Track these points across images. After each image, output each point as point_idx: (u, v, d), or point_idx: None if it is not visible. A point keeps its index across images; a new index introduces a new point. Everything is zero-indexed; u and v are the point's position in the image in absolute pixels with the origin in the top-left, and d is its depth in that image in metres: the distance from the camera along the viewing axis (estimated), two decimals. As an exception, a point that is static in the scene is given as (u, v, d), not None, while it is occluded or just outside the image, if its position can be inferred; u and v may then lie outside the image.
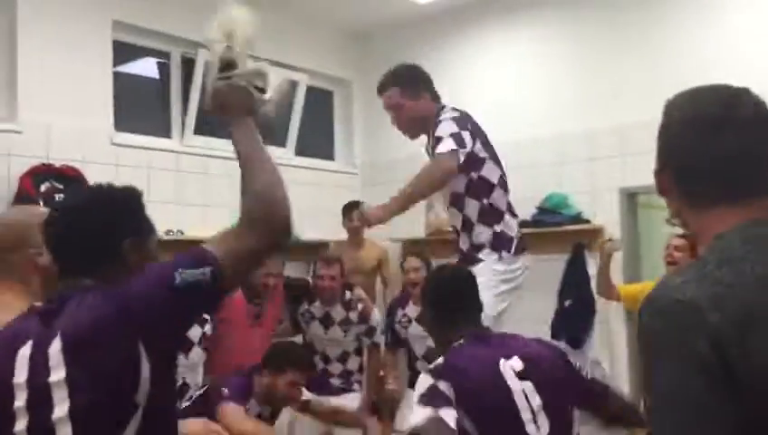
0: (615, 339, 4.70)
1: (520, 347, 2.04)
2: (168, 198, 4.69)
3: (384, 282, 5.12)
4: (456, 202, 2.90)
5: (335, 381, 4.20)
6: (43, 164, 4.07)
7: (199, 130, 5.04)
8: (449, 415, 1.84)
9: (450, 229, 3.21)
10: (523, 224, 3.32)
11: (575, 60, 5.03)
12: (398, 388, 4.27)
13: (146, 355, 1.29)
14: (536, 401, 1.91)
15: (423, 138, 3.07)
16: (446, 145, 2.74)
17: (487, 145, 2.91)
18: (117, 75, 4.65)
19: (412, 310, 4.20)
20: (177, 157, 4.86)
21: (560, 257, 4.77)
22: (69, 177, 4.11)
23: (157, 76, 5.15)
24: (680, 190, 1.11)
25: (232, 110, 1.61)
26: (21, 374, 1.32)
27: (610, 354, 4.67)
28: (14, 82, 4.14)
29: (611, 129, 4.81)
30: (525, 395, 1.91)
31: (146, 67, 5.11)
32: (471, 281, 2.26)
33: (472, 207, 2.89)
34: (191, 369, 3.64)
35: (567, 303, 4.66)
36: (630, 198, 4.84)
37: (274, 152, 5.40)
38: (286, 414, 4.01)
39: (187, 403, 2.96)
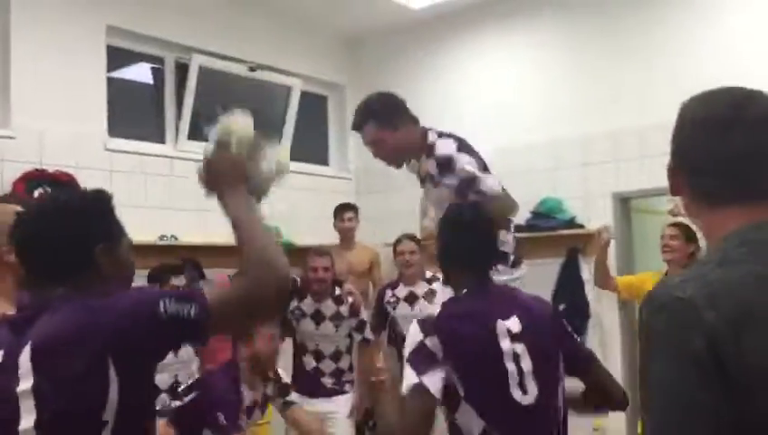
0: (609, 341, 4.71)
1: (519, 306, 2.00)
2: (162, 204, 4.68)
3: (374, 284, 5.13)
4: None
5: (327, 381, 4.19)
6: (37, 170, 4.06)
7: (193, 135, 5.03)
8: (433, 380, 1.83)
9: None
10: (517, 228, 3.31)
11: (569, 66, 5.05)
12: (387, 380, 4.33)
13: (115, 374, 1.26)
14: (527, 364, 1.89)
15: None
16: (493, 182, 2.68)
17: (481, 161, 2.88)
18: (111, 80, 4.64)
19: (401, 290, 4.33)
20: (171, 162, 4.86)
21: (554, 262, 4.79)
22: (62, 182, 4.10)
23: (151, 81, 5.14)
24: (692, 190, 1.12)
25: (225, 178, 1.56)
26: None
27: (604, 358, 4.67)
28: (7, 88, 4.13)
29: (605, 134, 4.83)
30: (517, 358, 1.89)
31: (140, 72, 5.11)
32: (488, 222, 2.14)
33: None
34: (183, 366, 3.66)
35: (561, 307, 4.66)
36: (624, 203, 4.86)
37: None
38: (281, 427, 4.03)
39: (179, 403, 2.93)
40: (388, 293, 4.39)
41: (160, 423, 2.68)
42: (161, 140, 5.02)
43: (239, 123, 1.67)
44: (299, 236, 4.78)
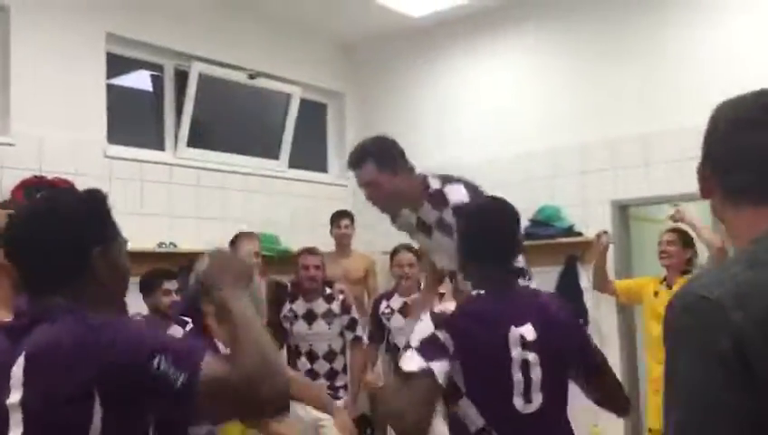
0: (607, 347, 4.69)
1: (537, 310, 1.96)
2: (161, 211, 4.69)
3: (369, 292, 5.14)
4: None
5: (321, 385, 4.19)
6: (36, 176, 4.06)
7: (192, 142, 5.04)
8: (440, 369, 1.80)
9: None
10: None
11: (568, 73, 5.06)
12: (376, 378, 4.35)
13: (99, 402, 1.22)
14: (536, 374, 1.86)
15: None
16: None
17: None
18: (110, 88, 4.65)
19: (396, 301, 4.35)
20: (170, 169, 4.86)
21: (552, 269, 4.79)
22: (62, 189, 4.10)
23: (150, 89, 5.16)
24: (723, 191, 1.12)
25: (231, 275, 1.44)
26: None
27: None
28: (6, 95, 4.13)
29: (603, 142, 4.84)
30: (526, 367, 1.86)
31: (139, 80, 5.12)
32: (513, 217, 2.06)
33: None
34: None
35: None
36: (622, 211, 4.86)
37: (267, 164, 5.40)
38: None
39: None
40: (384, 303, 4.40)
41: None
42: (161, 148, 5.02)
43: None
44: (297, 243, 4.78)
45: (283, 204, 5.53)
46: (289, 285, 4.44)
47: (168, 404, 1.27)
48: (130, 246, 1.54)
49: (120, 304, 1.50)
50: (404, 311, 4.28)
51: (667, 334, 1.02)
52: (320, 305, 4.23)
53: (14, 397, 1.24)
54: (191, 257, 4.46)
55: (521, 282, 2.56)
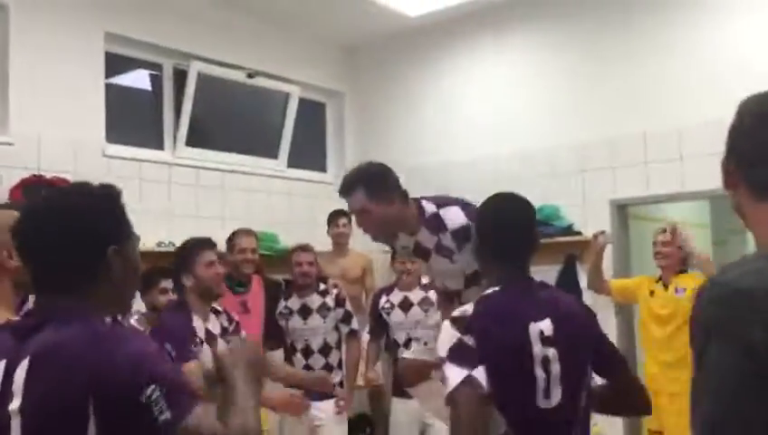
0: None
1: (554, 306, 1.95)
2: (160, 210, 4.68)
3: (366, 291, 5.14)
4: (473, 280, 2.67)
5: None
6: (35, 176, 4.06)
7: (191, 141, 5.04)
8: (480, 373, 1.79)
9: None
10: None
11: (567, 73, 5.06)
12: (377, 376, 4.35)
13: (94, 417, 1.19)
14: (556, 369, 1.86)
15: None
16: None
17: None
18: (109, 87, 4.65)
19: (396, 296, 4.36)
20: (169, 168, 4.86)
21: (551, 269, 4.78)
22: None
23: (149, 88, 5.15)
24: (747, 184, 1.13)
25: (244, 365, 1.43)
26: None
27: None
28: (5, 94, 4.13)
29: (602, 141, 4.84)
30: (546, 363, 1.86)
31: (138, 79, 5.11)
32: (529, 214, 2.07)
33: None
34: None
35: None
36: (621, 210, 4.86)
37: (266, 164, 5.40)
38: (274, 417, 4.05)
39: None
40: (383, 298, 4.41)
41: None
42: (159, 147, 5.02)
43: None
44: (295, 243, 4.77)
45: (282, 203, 5.53)
46: (283, 283, 4.47)
47: (145, 434, 1.22)
48: (139, 236, 1.50)
49: (129, 304, 1.46)
50: (404, 305, 4.30)
51: (697, 327, 1.03)
52: (314, 300, 4.26)
53: (15, 403, 1.21)
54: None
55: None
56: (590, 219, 4.83)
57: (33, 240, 1.32)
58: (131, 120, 5.01)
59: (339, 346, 4.34)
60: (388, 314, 4.33)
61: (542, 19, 5.21)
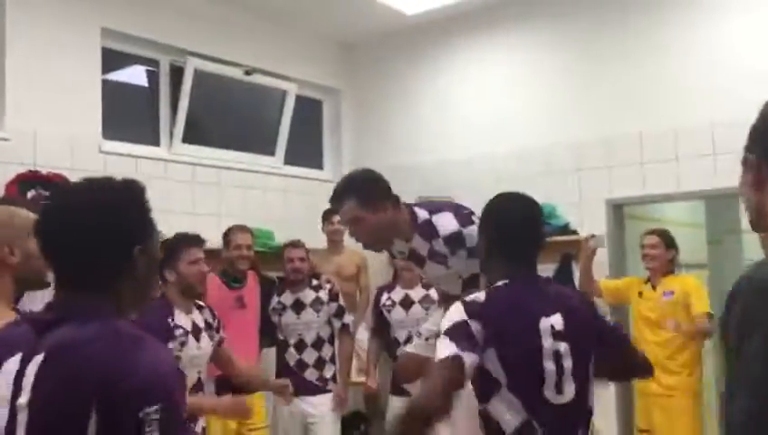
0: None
1: (562, 302, 1.99)
2: (156, 207, 4.62)
3: (361, 289, 5.14)
4: (470, 284, 2.78)
5: (310, 376, 4.23)
6: (30, 171, 4.05)
7: (188, 138, 5.03)
8: (471, 359, 1.80)
9: None
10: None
11: (563, 72, 5.07)
12: (376, 385, 4.36)
13: (95, 419, 1.15)
14: (567, 363, 1.88)
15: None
16: None
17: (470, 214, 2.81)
18: (105, 83, 4.63)
19: (398, 293, 4.36)
20: (165, 165, 4.85)
21: (547, 268, 4.79)
22: (56, 184, 4.09)
23: (145, 84, 5.14)
24: None
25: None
26: (5, 388, 1.21)
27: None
28: (1, 89, 4.11)
29: (598, 140, 4.85)
30: (558, 357, 1.88)
31: (134, 75, 5.10)
32: (535, 213, 2.10)
33: (485, 279, 2.82)
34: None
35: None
36: (617, 210, 4.87)
37: (263, 161, 5.40)
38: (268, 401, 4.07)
39: None
40: (384, 295, 4.43)
41: None
42: (155, 143, 5.01)
43: None
44: (292, 239, 4.77)
45: (278, 200, 5.53)
46: (277, 280, 4.49)
47: None
48: (161, 234, 1.48)
49: (148, 302, 1.44)
50: (405, 303, 4.30)
51: (736, 321, 1.03)
52: (307, 295, 4.28)
53: (24, 397, 1.19)
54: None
55: None
56: (587, 219, 4.84)
57: (59, 236, 1.29)
58: (128, 116, 4.99)
59: (332, 341, 4.35)
60: (389, 311, 4.33)
61: (539, 18, 5.21)
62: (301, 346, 4.26)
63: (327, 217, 5.13)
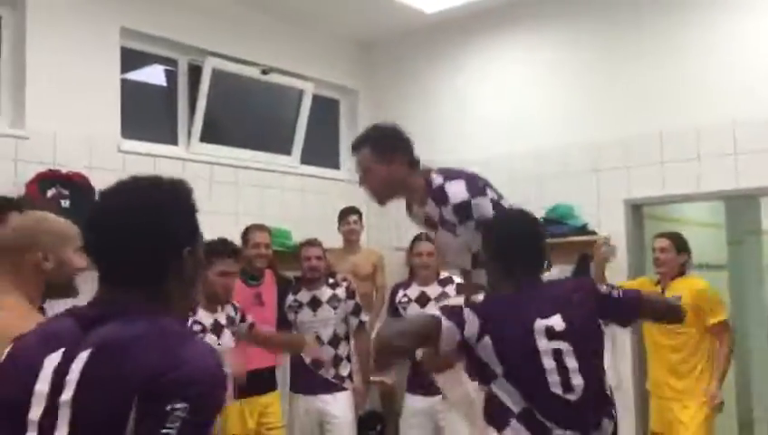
0: (618, 340, 4.67)
1: (563, 301, 2.05)
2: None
3: (377, 288, 5.14)
4: (481, 262, 2.79)
5: (326, 374, 4.23)
6: (50, 170, 4.08)
7: (205, 137, 5.06)
8: (450, 331, 1.95)
9: None
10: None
11: (582, 71, 5.03)
12: (392, 382, 4.35)
13: (133, 416, 1.13)
14: (571, 363, 1.93)
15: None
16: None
17: (490, 184, 2.80)
18: (124, 82, 4.67)
19: (414, 291, 4.34)
20: (183, 164, 4.87)
21: (564, 268, 4.76)
22: (75, 183, 4.13)
23: (164, 83, 5.17)
24: None
25: None
26: (44, 383, 1.20)
27: (615, 361, 4.64)
28: (21, 89, 4.16)
29: (617, 140, 4.81)
30: (559, 355, 1.94)
31: (153, 74, 5.13)
32: (538, 231, 2.22)
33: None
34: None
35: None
36: (636, 210, 4.83)
37: (279, 160, 5.41)
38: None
39: None
40: (400, 293, 4.40)
41: None
42: (174, 142, 5.04)
43: None
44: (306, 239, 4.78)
45: (295, 200, 5.54)
46: (293, 279, 4.50)
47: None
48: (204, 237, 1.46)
49: (193, 304, 1.44)
50: (421, 300, 4.29)
51: None
52: (324, 292, 4.29)
53: (67, 394, 1.17)
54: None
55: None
56: (605, 219, 4.81)
57: (110, 234, 1.28)
58: (146, 115, 5.02)
59: (347, 339, 4.34)
60: (405, 308, 4.31)
61: (558, 17, 5.18)
62: (317, 343, 4.26)
63: (343, 216, 5.15)
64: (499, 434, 1.97)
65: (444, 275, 4.29)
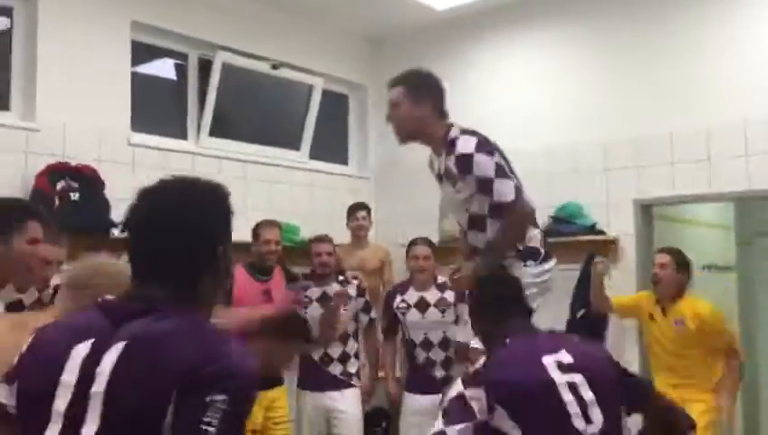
0: (627, 344, 4.66)
1: (568, 343, 2.03)
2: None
3: (384, 283, 5.14)
4: (476, 224, 2.84)
5: (335, 370, 4.23)
6: (60, 162, 4.09)
7: (215, 131, 5.06)
8: (457, 429, 1.85)
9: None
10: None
11: (593, 69, 5.01)
12: (398, 391, 4.32)
13: (172, 409, 1.14)
14: (588, 394, 1.87)
15: (422, 154, 3.07)
16: (507, 189, 2.70)
17: (504, 157, 2.88)
18: (135, 76, 4.67)
19: (412, 296, 4.27)
20: (192, 158, 4.88)
21: (572, 267, 4.74)
22: (85, 175, 4.14)
23: (174, 77, 5.18)
24: None
25: None
26: (71, 374, 1.20)
27: (621, 358, 4.62)
28: (33, 81, 4.17)
29: (627, 139, 4.79)
30: (574, 388, 1.87)
31: (163, 68, 5.14)
32: (517, 284, 2.27)
33: (495, 229, 2.80)
34: None
35: (579, 313, 4.62)
36: (645, 210, 4.81)
37: (288, 155, 5.39)
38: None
39: None
40: (398, 298, 4.31)
41: None
42: (183, 136, 5.05)
43: None
44: (316, 234, 4.78)
45: (304, 195, 5.54)
46: (302, 277, 4.47)
47: (175, 420, 1.14)
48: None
49: (218, 302, 1.45)
50: (420, 306, 4.26)
51: None
52: (334, 289, 4.29)
53: (99, 385, 1.17)
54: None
55: (531, 263, 2.75)
56: (614, 218, 4.79)
57: (149, 230, 1.32)
58: (156, 109, 5.03)
59: (356, 336, 4.34)
60: (404, 314, 4.26)
61: (569, 15, 5.15)
62: None
63: (352, 212, 5.15)
64: None
65: (441, 279, 4.23)
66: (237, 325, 2.92)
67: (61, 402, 1.19)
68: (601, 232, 4.79)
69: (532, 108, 5.24)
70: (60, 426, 1.18)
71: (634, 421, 2.01)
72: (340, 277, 4.36)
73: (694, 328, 3.71)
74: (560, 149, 5.05)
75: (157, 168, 4.60)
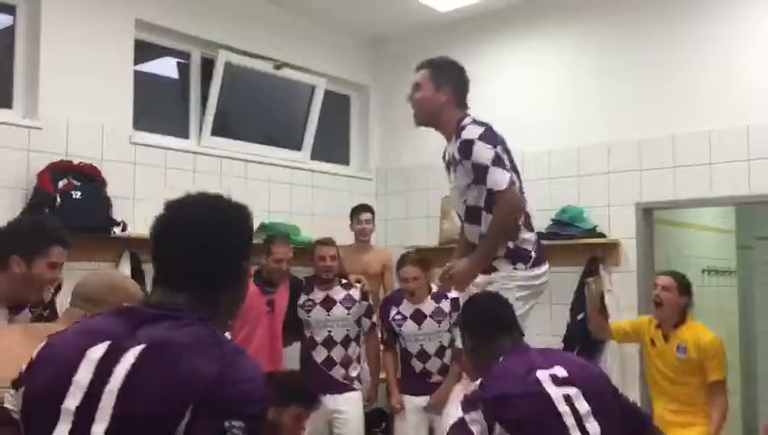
0: (627, 348, 4.65)
1: (563, 358, 2.05)
2: (184, 198, 4.70)
3: (386, 288, 5.13)
4: (472, 216, 2.85)
5: (337, 374, 4.23)
6: (62, 160, 4.10)
7: (216, 131, 5.06)
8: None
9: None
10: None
11: (596, 72, 5.01)
12: (401, 405, 4.27)
13: (188, 418, 1.15)
14: (583, 406, 1.88)
15: (438, 144, 3.08)
16: (501, 178, 2.70)
17: (509, 155, 2.89)
18: (137, 74, 4.67)
19: (406, 307, 4.23)
20: (194, 157, 4.88)
21: (573, 270, 4.75)
22: (87, 173, 4.14)
23: (176, 76, 5.18)
24: None
25: None
26: (85, 373, 1.20)
27: (623, 361, 4.63)
28: (35, 79, 4.17)
29: (629, 143, 4.79)
30: (569, 401, 1.89)
31: (166, 67, 5.14)
32: (507, 305, 2.30)
33: (487, 223, 2.81)
34: None
35: (580, 316, 4.62)
36: (647, 213, 4.81)
37: (290, 155, 5.43)
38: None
39: None
40: (393, 310, 4.26)
41: None
42: (185, 135, 5.05)
43: None
44: (317, 235, 4.78)
45: (305, 195, 5.54)
46: (304, 280, 4.47)
47: None
48: None
49: (236, 316, 1.48)
50: (417, 317, 4.21)
51: None
52: (338, 292, 4.28)
53: (113, 385, 1.18)
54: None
55: (522, 266, 2.77)
56: (615, 222, 4.79)
57: (181, 242, 1.35)
58: (158, 107, 5.03)
59: (358, 340, 4.34)
60: (400, 326, 4.21)
61: (572, 18, 5.15)
62: (329, 343, 4.25)
63: (355, 214, 5.13)
64: None
65: (436, 288, 4.19)
66: None
67: (72, 401, 1.19)
68: (602, 235, 4.79)
69: (533, 111, 5.23)
70: (69, 425, 1.18)
71: None
72: (343, 281, 4.35)
73: (696, 356, 3.61)
74: (561, 151, 5.05)
75: (158, 167, 4.61)
